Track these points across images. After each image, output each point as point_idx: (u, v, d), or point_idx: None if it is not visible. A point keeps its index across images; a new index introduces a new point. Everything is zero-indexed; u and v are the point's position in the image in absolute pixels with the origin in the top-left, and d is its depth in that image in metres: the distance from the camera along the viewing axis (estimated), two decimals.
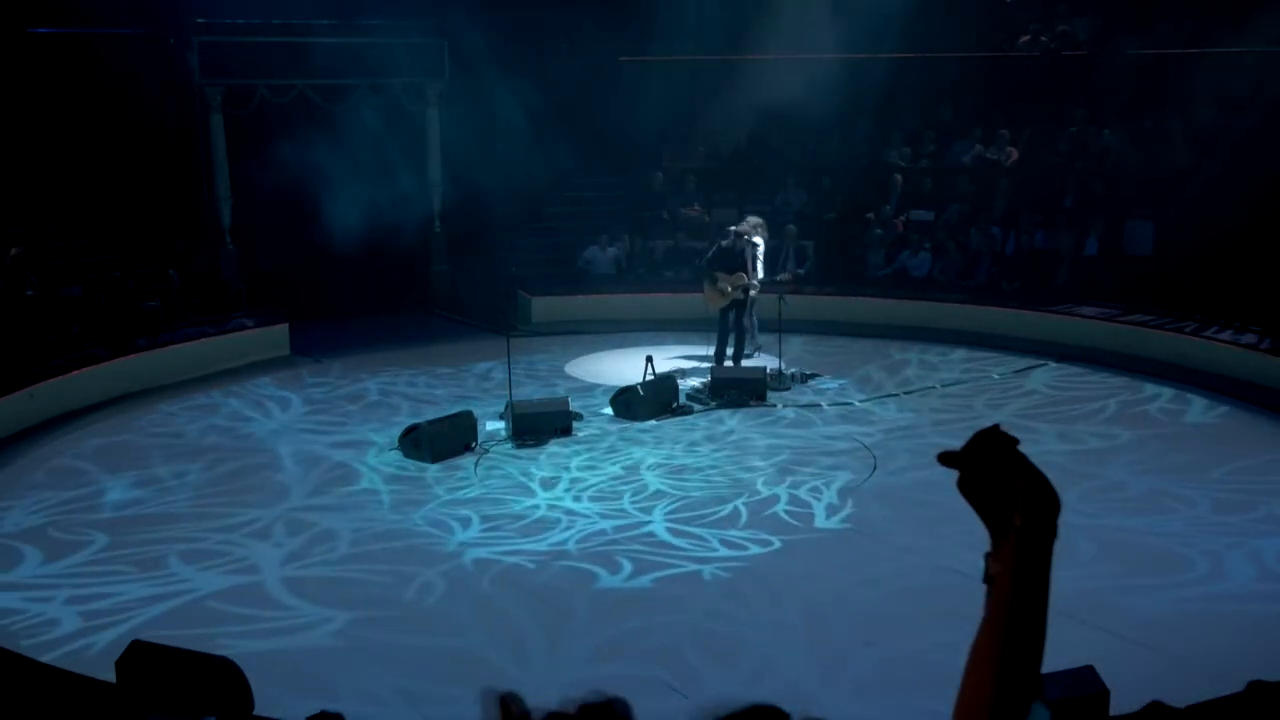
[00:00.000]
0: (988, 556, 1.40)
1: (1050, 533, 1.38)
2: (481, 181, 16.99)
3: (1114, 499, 9.70)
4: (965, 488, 1.41)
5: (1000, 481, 1.38)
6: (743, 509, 9.72)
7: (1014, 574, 1.36)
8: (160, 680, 5.88)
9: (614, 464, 10.84)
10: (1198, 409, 12.19)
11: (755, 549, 8.94)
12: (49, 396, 12.41)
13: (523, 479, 10.46)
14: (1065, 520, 1.38)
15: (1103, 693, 5.57)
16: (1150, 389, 12.87)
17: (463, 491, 10.18)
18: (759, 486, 10.23)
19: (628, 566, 8.64)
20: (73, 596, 8.27)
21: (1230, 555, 8.61)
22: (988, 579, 1.39)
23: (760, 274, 13.85)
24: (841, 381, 13.51)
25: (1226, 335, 13.45)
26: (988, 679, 1.34)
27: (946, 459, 1.42)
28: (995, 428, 1.42)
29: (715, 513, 9.66)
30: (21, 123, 15.39)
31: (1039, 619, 1.36)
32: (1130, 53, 17.08)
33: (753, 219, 14.39)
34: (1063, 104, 17.38)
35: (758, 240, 13.89)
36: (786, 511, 9.66)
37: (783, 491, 10.09)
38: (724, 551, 8.91)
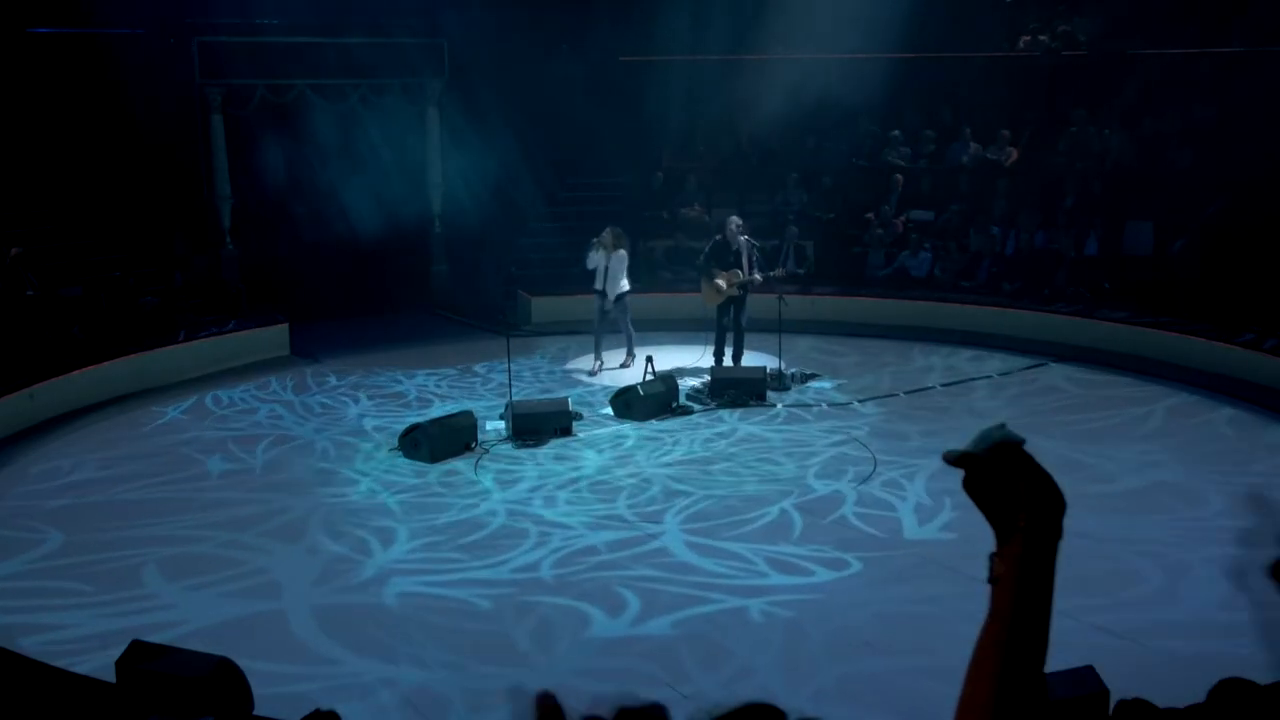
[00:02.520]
0: (992, 556, 1.39)
1: (1055, 533, 1.37)
2: (481, 181, 17.00)
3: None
4: (970, 487, 1.41)
5: (1006, 481, 1.38)
6: (795, 514, 8.50)
7: (1018, 573, 1.36)
8: (160, 680, 5.88)
9: (613, 464, 10.76)
10: (1193, 407, 12.18)
11: (824, 573, 7.09)
12: (49, 396, 12.41)
13: (521, 479, 10.41)
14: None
15: (1103, 693, 5.57)
16: (1149, 389, 12.86)
17: (452, 495, 10.16)
18: (811, 481, 9.59)
19: (634, 602, 7.07)
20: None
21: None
22: (992, 579, 1.39)
23: (625, 285, 13.78)
24: (841, 381, 13.50)
25: (1226, 335, 13.42)
26: (990, 678, 1.34)
27: (952, 458, 1.42)
28: (1001, 427, 1.41)
29: (751, 519, 8.62)
30: (22, 123, 15.39)
31: (1043, 619, 1.36)
32: (1130, 53, 17.09)
33: (610, 230, 13.88)
34: (1063, 104, 17.38)
35: (622, 251, 13.78)
36: (857, 514, 8.29)
37: (847, 489, 8.97)
38: (777, 578, 7.14)
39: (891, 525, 8.20)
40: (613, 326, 14.01)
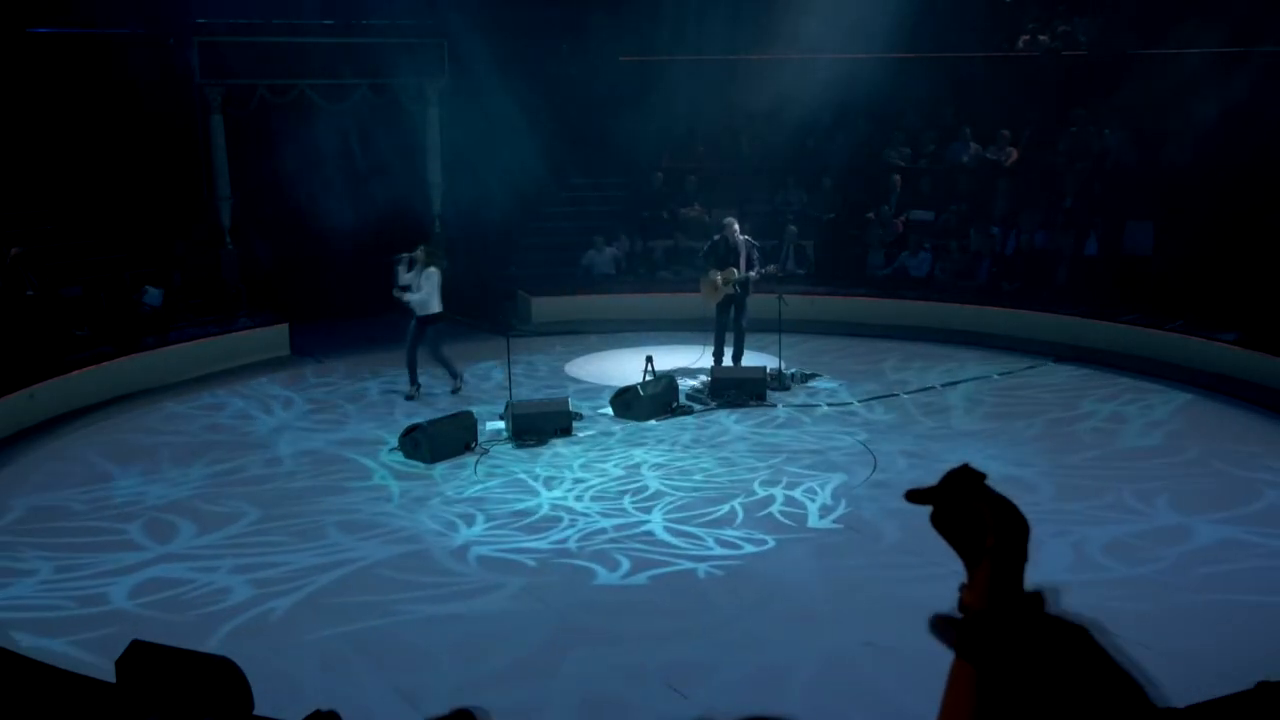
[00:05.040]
0: (962, 587, 1.43)
1: (1021, 555, 1.41)
2: (481, 181, 17.00)
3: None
4: (937, 522, 1.45)
5: (970, 513, 1.43)
6: (739, 509, 9.74)
7: (988, 595, 1.39)
8: (160, 680, 5.88)
9: (614, 464, 10.83)
10: (1190, 408, 12.20)
11: (750, 548, 8.99)
12: (49, 396, 12.41)
13: (523, 479, 10.45)
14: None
15: None
16: (1149, 388, 12.88)
17: (465, 491, 10.17)
18: (755, 487, 10.22)
19: (625, 564, 8.71)
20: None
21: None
22: (962, 608, 1.42)
23: (436, 307, 12.73)
24: (841, 382, 13.50)
25: (1226, 334, 13.42)
26: (966, 702, 1.37)
27: (915, 496, 1.46)
28: (964, 466, 1.46)
29: (712, 512, 9.67)
30: (22, 123, 15.39)
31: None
32: (1130, 53, 17.09)
33: (424, 247, 12.97)
34: (1063, 104, 17.38)
35: (433, 269, 12.76)
36: (781, 512, 9.68)
37: (779, 492, 10.08)
38: (719, 551, 8.95)
39: (800, 517, 9.64)
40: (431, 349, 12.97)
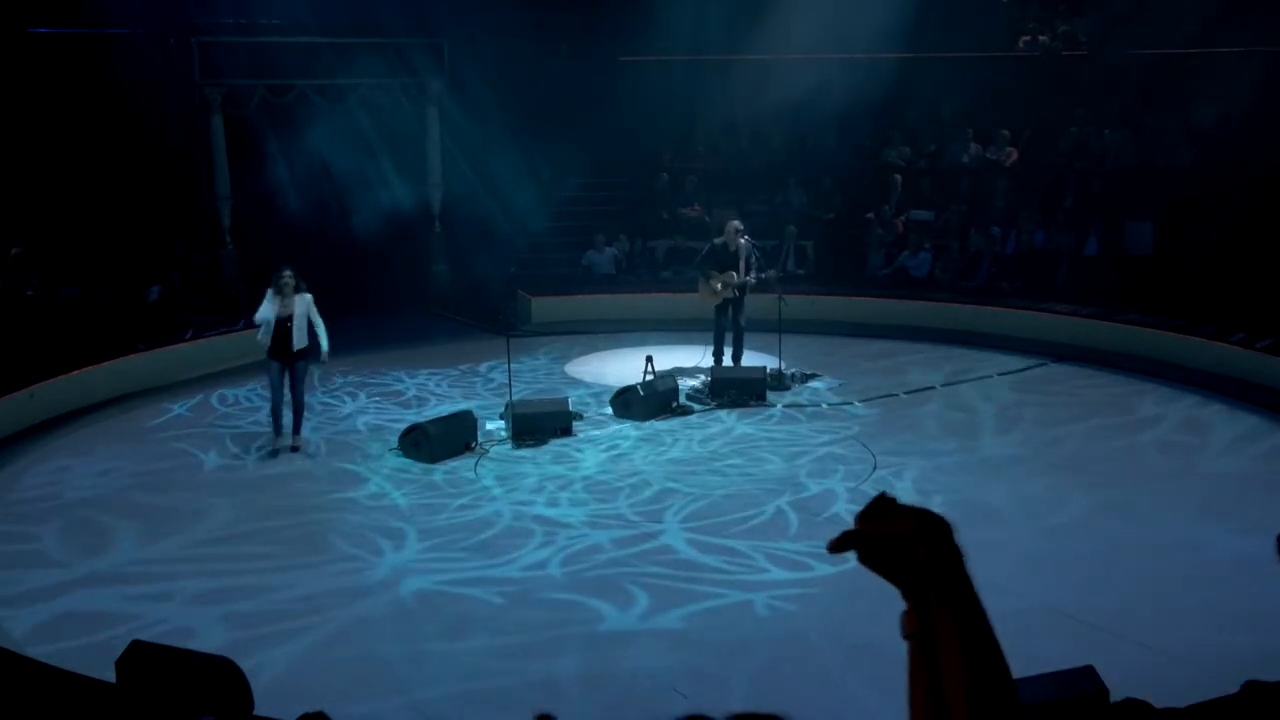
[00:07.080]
0: (904, 614, 1.43)
1: (956, 551, 1.40)
2: (481, 181, 17.01)
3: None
4: (866, 559, 1.45)
5: (890, 533, 1.42)
6: (789, 511, 8.84)
7: (950, 603, 1.37)
8: (160, 680, 5.88)
9: (612, 464, 10.77)
10: (1193, 407, 12.19)
11: (825, 568, 7.15)
12: (49, 396, 12.40)
13: (522, 480, 10.41)
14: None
15: (1102, 692, 5.57)
16: (1149, 388, 12.87)
17: (459, 495, 10.16)
18: (803, 479, 9.86)
19: (643, 598, 7.34)
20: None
21: None
22: (907, 635, 1.42)
23: (322, 335, 10.95)
24: (841, 381, 13.49)
25: (1225, 335, 13.42)
26: (964, 707, 1.34)
27: (838, 546, 1.46)
28: (880, 496, 1.46)
29: (751, 518, 8.86)
30: (22, 123, 15.39)
31: (986, 628, 1.36)
32: (1130, 53, 17.09)
33: (291, 273, 10.86)
34: (1063, 104, 17.39)
35: (308, 295, 10.90)
36: (850, 511, 9.00)
37: (810, 483, 9.60)
38: (779, 574, 7.26)
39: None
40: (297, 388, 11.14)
